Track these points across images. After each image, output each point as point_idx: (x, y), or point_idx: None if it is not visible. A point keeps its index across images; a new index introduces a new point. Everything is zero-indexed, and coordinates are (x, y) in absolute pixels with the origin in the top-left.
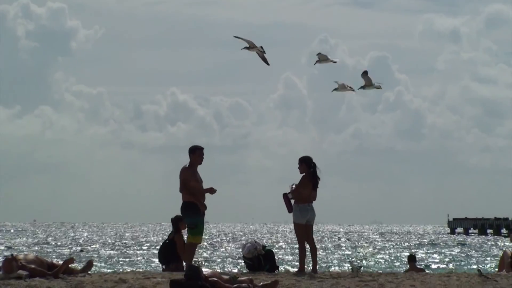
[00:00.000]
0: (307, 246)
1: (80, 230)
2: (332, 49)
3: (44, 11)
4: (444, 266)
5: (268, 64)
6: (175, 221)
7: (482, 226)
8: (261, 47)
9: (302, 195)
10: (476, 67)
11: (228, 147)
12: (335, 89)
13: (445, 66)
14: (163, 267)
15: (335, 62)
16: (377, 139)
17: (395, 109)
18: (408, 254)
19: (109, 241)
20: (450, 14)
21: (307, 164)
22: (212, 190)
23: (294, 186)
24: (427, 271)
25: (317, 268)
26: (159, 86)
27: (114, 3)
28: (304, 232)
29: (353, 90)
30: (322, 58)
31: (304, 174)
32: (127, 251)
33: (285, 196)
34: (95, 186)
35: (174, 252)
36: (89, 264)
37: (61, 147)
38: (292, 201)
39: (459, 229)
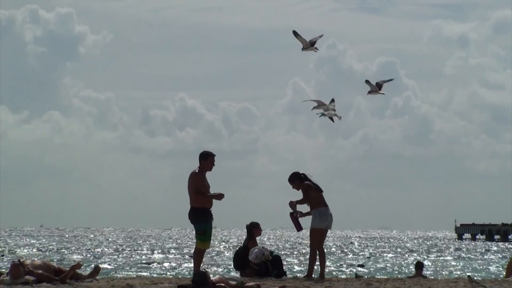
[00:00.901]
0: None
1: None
2: (341, 54)
3: (52, 16)
4: (448, 272)
5: (317, 49)
6: (250, 228)
7: (490, 232)
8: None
9: (315, 198)
10: (484, 73)
11: (236, 153)
12: (323, 114)
13: (453, 71)
14: (238, 272)
15: (383, 94)
16: (385, 145)
17: (403, 115)
18: (416, 261)
19: (117, 244)
20: (458, 20)
21: (299, 179)
22: (220, 196)
23: (294, 202)
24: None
25: (324, 273)
26: (167, 91)
27: (122, 8)
28: (319, 237)
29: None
30: (373, 90)
31: (302, 188)
32: (136, 256)
33: (291, 215)
34: (103, 191)
35: (248, 258)
36: (96, 270)
37: (69, 152)
38: (300, 220)
39: (467, 235)
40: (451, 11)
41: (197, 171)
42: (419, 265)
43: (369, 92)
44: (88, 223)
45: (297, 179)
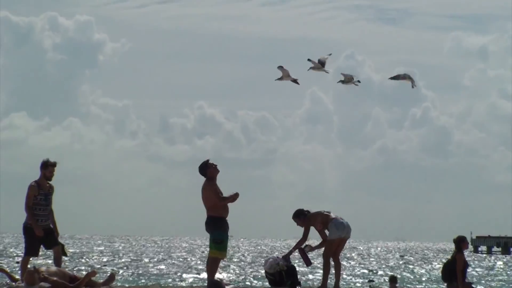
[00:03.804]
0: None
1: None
2: (360, 65)
3: (72, 23)
4: None
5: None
6: (458, 241)
7: (505, 244)
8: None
9: (324, 218)
10: (503, 84)
11: (255, 162)
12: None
13: (472, 83)
14: (446, 284)
15: (358, 83)
16: (403, 155)
17: (422, 126)
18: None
19: (134, 254)
20: (478, 32)
21: (303, 214)
22: (236, 195)
23: (309, 246)
24: None
25: (339, 284)
26: (186, 100)
27: (140, 16)
28: (335, 248)
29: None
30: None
31: (307, 221)
32: (151, 264)
33: (300, 250)
34: (121, 199)
35: (455, 270)
36: (112, 277)
37: (87, 159)
38: (309, 254)
39: (482, 247)
40: (470, 23)
41: (208, 182)
42: (393, 279)
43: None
44: (104, 231)
45: (302, 217)
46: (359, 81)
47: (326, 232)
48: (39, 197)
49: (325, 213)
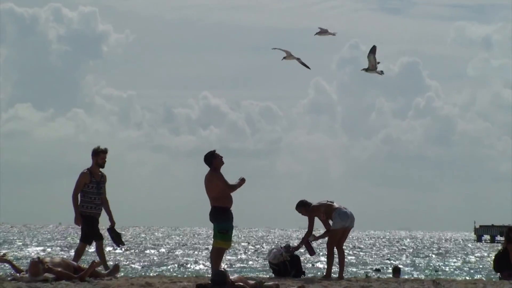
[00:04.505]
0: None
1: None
2: (364, 55)
3: (76, 15)
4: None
5: (309, 67)
6: (508, 232)
7: None
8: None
9: (327, 208)
10: (507, 74)
11: (259, 152)
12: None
13: (476, 72)
14: (498, 274)
15: (382, 73)
16: (407, 145)
17: (426, 115)
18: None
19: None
20: (482, 22)
21: (307, 205)
22: (243, 181)
23: (313, 236)
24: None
25: (343, 273)
26: (190, 90)
27: (144, 7)
28: (339, 237)
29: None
30: (371, 68)
31: (310, 212)
32: (156, 254)
33: (304, 240)
34: (125, 189)
35: (507, 260)
36: (116, 268)
37: (91, 150)
38: (313, 244)
39: (486, 236)
40: (474, 12)
41: (214, 171)
42: (396, 270)
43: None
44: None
45: (304, 207)
46: (382, 72)
47: (330, 222)
48: (91, 185)
49: (328, 203)
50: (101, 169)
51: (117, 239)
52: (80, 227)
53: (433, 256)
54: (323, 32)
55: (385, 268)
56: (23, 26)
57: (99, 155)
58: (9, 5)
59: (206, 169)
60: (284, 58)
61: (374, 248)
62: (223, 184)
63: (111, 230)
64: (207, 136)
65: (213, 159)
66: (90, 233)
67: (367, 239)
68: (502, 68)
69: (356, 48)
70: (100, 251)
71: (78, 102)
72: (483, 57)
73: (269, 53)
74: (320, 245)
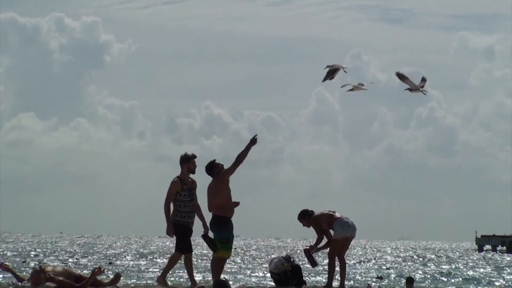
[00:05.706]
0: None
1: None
2: (366, 65)
3: (78, 24)
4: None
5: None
6: None
7: (510, 243)
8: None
9: (328, 218)
10: (509, 84)
11: (261, 162)
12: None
13: (478, 82)
14: None
15: (426, 92)
16: (409, 155)
17: (428, 125)
18: (407, 276)
19: (138, 251)
20: (484, 32)
21: (308, 215)
22: (252, 143)
23: (311, 244)
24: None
25: (345, 284)
26: (192, 100)
27: (146, 17)
28: (340, 247)
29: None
30: (414, 87)
31: (312, 222)
32: (157, 262)
33: (306, 251)
34: (128, 199)
35: None
36: (117, 277)
37: (95, 159)
38: (314, 255)
39: (487, 246)
40: (476, 22)
41: (216, 180)
42: (410, 280)
43: (350, 90)
44: (107, 231)
45: (307, 216)
46: (426, 92)
47: (331, 232)
48: (183, 193)
49: (330, 213)
50: (191, 175)
51: (212, 245)
52: (174, 237)
53: (438, 266)
54: (335, 69)
55: (386, 274)
56: (26, 35)
57: (189, 160)
58: (11, 14)
59: (208, 178)
60: (351, 90)
61: (376, 257)
62: (229, 170)
63: (206, 237)
64: (210, 145)
65: (214, 169)
66: (181, 245)
67: (369, 249)
68: (504, 78)
69: (358, 58)
70: (188, 264)
71: (81, 111)
72: (485, 67)
73: (271, 63)
74: (321, 256)
